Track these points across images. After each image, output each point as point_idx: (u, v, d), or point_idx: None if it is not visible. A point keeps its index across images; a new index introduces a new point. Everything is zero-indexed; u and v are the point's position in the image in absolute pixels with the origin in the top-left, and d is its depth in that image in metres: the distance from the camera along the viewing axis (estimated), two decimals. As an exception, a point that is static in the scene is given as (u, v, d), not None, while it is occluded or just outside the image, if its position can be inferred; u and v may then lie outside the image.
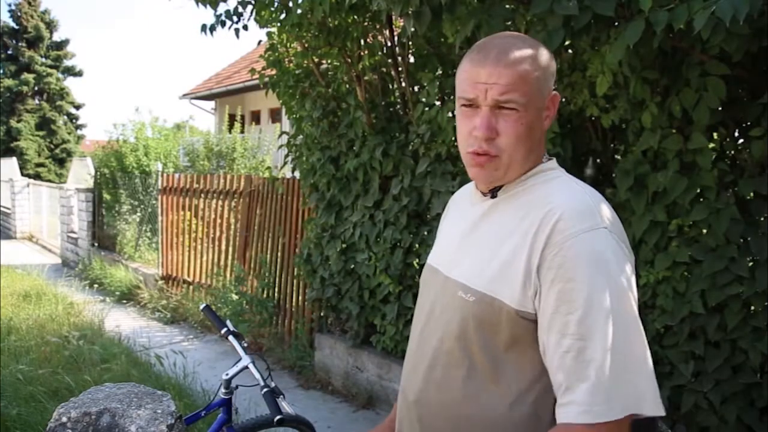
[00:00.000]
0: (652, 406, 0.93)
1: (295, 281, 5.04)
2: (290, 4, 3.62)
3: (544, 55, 1.07)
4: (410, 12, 2.15)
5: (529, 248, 1.00)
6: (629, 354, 0.93)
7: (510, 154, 1.04)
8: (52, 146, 23.35)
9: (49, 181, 19.52)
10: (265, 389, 2.10)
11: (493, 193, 1.11)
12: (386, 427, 1.33)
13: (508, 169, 1.06)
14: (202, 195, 6.66)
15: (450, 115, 3.18)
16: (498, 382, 1.03)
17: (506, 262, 1.02)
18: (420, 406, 1.13)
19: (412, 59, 3.75)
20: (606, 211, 1.02)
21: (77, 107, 25.10)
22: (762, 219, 2.25)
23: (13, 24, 23.53)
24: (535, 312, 0.99)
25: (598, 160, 2.91)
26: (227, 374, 2.17)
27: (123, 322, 6.14)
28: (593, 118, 2.74)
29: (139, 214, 8.22)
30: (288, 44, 4.19)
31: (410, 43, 3.62)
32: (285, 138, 4.65)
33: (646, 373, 0.94)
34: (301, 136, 4.41)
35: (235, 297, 5.47)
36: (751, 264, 2.23)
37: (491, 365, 1.04)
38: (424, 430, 1.12)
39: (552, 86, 1.08)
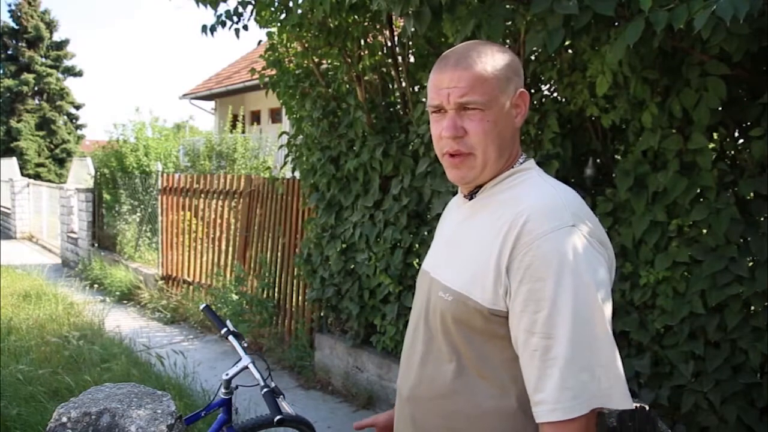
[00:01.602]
0: (620, 400, 0.97)
1: (295, 281, 5.04)
2: (290, 4, 3.62)
3: (506, 55, 1.11)
4: (410, 12, 2.15)
5: (499, 249, 1.03)
6: (596, 350, 0.97)
7: (483, 150, 1.08)
8: (52, 146, 23.33)
9: (49, 181, 19.50)
10: (265, 389, 2.10)
11: (472, 195, 1.16)
12: (388, 415, 1.37)
13: (485, 168, 1.10)
14: (202, 195, 6.66)
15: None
16: (485, 376, 1.07)
17: (479, 263, 1.06)
18: (413, 402, 1.17)
19: (412, 59, 3.75)
20: (578, 208, 1.05)
21: (77, 107, 25.07)
22: (762, 219, 2.25)
23: (13, 24, 23.50)
24: (507, 310, 1.03)
25: (598, 160, 2.91)
26: (227, 374, 2.17)
27: (123, 322, 6.14)
28: (593, 118, 2.74)
29: (139, 214, 8.22)
30: (288, 44, 4.19)
31: (410, 43, 3.62)
32: (285, 138, 4.65)
33: (612, 368, 0.97)
34: (301, 136, 4.41)
35: (235, 297, 5.47)
36: (751, 264, 2.23)
37: (477, 360, 1.07)
38: (417, 426, 1.16)
39: (519, 85, 1.12)
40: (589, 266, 0.99)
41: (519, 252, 1.00)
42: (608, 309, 1.00)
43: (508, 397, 1.05)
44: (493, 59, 1.09)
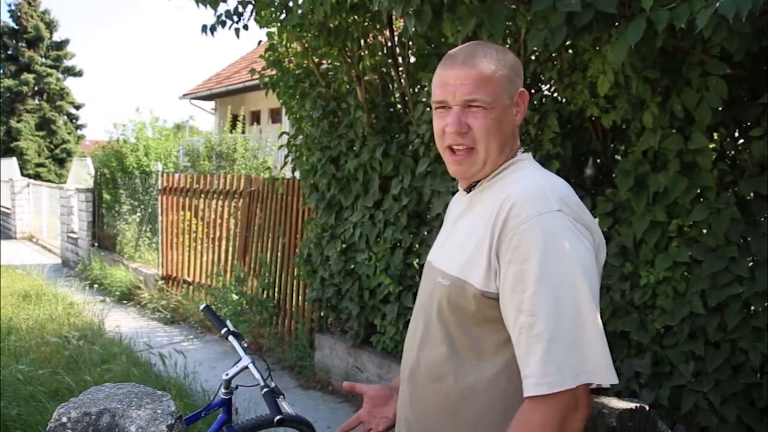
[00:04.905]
0: (605, 375, 1.00)
1: (295, 281, 5.03)
2: (290, 4, 3.61)
3: (509, 56, 1.17)
4: (411, 11, 2.15)
5: (490, 234, 1.09)
6: (580, 327, 1.00)
7: (485, 146, 1.14)
8: (52, 146, 23.32)
9: (49, 181, 19.49)
10: (265, 389, 2.10)
11: (470, 188, 1.22)
12: (380, 388, 1.42)
13: (486, 163, 1.16)
14: (202, 195, 6.66)
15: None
16: (479, 358, 1.12)
17: (474, 248, 1.13)
18: (412, 383, 1.23)
19: (412, 59, 3.75)
20: (564, 195, 1.10)
21: (77, 107, 25.07)
22: (762, 219, 2.25)
23: (13, 24, 23.49)
24: (497, 291, 1.08)
25: (598, 160, 2.91)
26: (227, 374, 2.16)
27: (123, 322, 6.14)
28: (593, 118, 2.74)
29: (139, 214, 8.22)
30: (288, 44, 4.19)
31: (410, 43, 3.61)
32: (285, 138, 4.65)
33: (597, 344, 1.01)
34: (301, 137, 4.41)
35: (235, 297, 5.46)
36: (751, 264, 2.22)
37: (470, 343, 1.13)
38: (414, 406, 1.22)
39: (519, 84, 1.18)
40: (573, 248, 1.03)
41: (506, 235, 1.06)
42: (594, 288, 1.04)
43: (499, 379, 1.10)
44: (497, 60, 1.14)
